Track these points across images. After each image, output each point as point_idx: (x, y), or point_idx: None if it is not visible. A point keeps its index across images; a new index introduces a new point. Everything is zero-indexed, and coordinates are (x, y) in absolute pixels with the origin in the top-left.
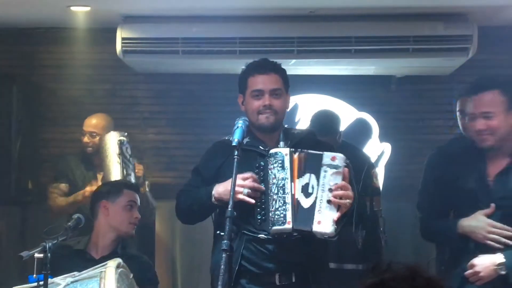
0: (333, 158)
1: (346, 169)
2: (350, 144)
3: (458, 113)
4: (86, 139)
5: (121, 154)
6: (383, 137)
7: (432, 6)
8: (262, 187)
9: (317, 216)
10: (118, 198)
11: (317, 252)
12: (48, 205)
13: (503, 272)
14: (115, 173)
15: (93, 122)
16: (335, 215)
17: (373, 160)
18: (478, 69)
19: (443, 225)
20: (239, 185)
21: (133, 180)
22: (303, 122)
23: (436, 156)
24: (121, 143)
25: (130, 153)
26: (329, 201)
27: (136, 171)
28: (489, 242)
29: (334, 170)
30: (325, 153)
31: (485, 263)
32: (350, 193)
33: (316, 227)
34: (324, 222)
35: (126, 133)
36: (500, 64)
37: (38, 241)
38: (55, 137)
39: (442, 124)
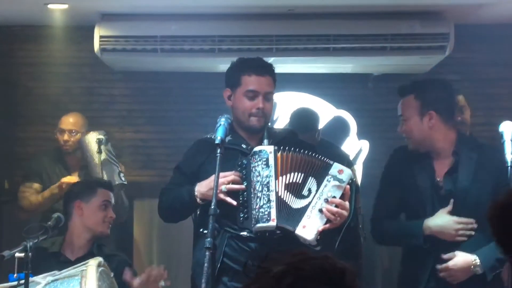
0: (340, 171)
1: (348, 186)
2: (329, 142)
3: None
4: (65, 137)
5: (109, 151)
6: (361, 135)
7: (409, 5)
8: (243, 186)
9: (304, 220)
10: (93, 198)
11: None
12: (19, 205)
13: (479, 272)
14: (102, 173)
15: (72, 120)
16: (321, 226)
17: (351, 157)
18: (455, 67)
19: (404, 226)
20: (221, 183)
21: (122, 179)
22: (281, 120)
23: (391, 158)
24: (100, 142)
25: (113, 152)
26: (320, 210)
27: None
28: (458, 238)
29: (337, 183)
30: (334, 163)
31: (460, 265)
32: (344, 212)
33: (300, 231)
34: (309, 228)
35: (105, 132)
36: (477, 62)
37: (15, 241)
38: (31, 135)
39: None
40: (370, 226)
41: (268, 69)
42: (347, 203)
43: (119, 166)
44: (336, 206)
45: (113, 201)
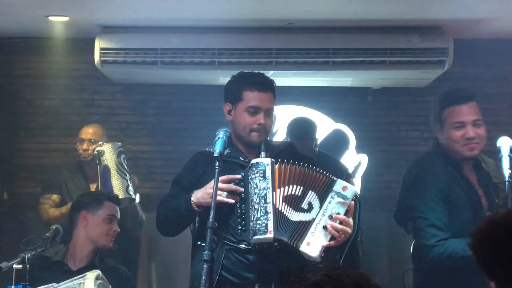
0: (344, 188)
1: (353, 202)
2: (328, 155)
3: (439, 123)
4: (85, 146)
5: (121, 164)
6: (360, 148)
7: (409, 19)
8: (241, 188)
9: (308, 237)
10: (99, 210)
11: (296, 263)
12: (39, 215)
13: None
14: (117, 185)
15: (91, 130)
16: (326, 242)
17: (350, 171)
18: (453, 82)
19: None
20: (218, 188)
21: (130, 193)
22: (280, 133)
23: (424, 172)
24: (100, 154)
25: (125, 165)
26: (325, 227)
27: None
28: None
29: (341, 200)
30: (338, 180)
31: None
32: (348, 229)
33: (304, 248)
34: (313, 245)
35: (120, 144)
36: (475, 77)
37: (13, 252)
38: (31, 147)
39: (418, 136)
40: (430, 250)
41: (270, 85)
42: (351, 220)
43: (132, 179)
44: (340, 223)
45: (118, 215)
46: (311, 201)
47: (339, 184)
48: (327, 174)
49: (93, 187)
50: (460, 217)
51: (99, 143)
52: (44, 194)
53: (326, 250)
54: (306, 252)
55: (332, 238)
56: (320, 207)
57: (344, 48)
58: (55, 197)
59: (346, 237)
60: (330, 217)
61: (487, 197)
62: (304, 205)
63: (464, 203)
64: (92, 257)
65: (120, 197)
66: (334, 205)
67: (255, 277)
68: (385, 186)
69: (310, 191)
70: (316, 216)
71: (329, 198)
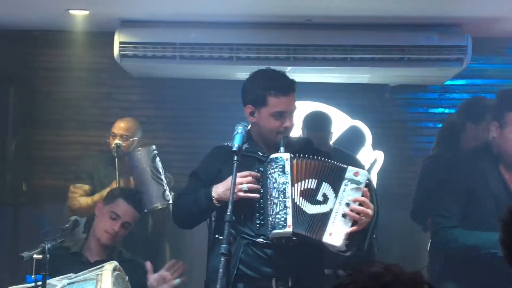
0: (356, 174)
1: (366, 188)
2: (344, 151)
3: (498, 124)
4: (117, 141)
5: (156, 170)
6: (376, 145)
7: (427, 17)
8: (259, 186)
9: (329, 228)
10: (109, 205)
11: (313, 258)
12: (67, 205)
13: None
14: (154, 192)
15: (124, 125)
16: (348, 229)
17: (366, 168)
18: (471, 80)
19: (485, 238)
20: (238, 183)
21: (169, 196)
22: (297, 129)
23: (443, 164)
24: (154, 158)
25: (160, 169)
26: (344, 215)
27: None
28: None
29: (355, 186)
30: (349, 167)
31: None
32: (369, 211)
33: (327, 239)
34: (336, 234)
35: (154, 147)
36: (493, 75)
37: (31, 242)
38: (50, 139)
39: (435, 133)
40: (435, 235)
41: (292, 87)
42: (371, 204)
43: (168, 179)
44: (360, 205)
45: (127, 218)
46: (325, 192)
47: (350, 170)
48: (336, 163)
49: (121, 182)
50: (480, 209)
51: (138, 149)
52: (75, 184)
53: (350, 237)
54: (329, 242)
55: (354, 223)
56: (336, 196)
57: (362, 45)
58: (86, 187)
59: (368, 220)
60: (347, 205)
61: None
62: (319, 197)
63: (488, 197)
64: (107, 250)
65: (160, 207)
66: (349, 192)
67: (272, 271)
68: (401, 183)
69: (323, 183)
70: (334, 206)
71: (343, 186)
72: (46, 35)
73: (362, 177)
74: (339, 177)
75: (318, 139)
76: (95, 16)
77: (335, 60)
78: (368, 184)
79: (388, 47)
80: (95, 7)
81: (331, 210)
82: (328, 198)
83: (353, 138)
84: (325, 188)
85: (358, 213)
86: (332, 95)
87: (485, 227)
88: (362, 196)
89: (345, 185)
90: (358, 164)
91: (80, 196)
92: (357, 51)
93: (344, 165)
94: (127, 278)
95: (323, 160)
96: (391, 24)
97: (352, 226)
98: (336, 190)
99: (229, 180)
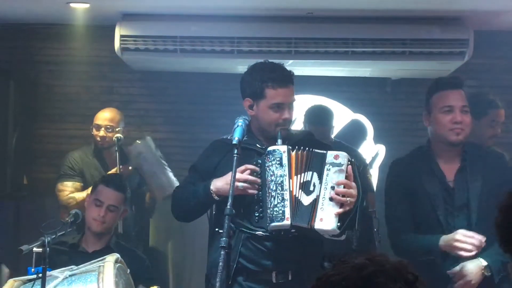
0: (336, 157)
1: (350, 166)
2: (345, 145)
3: (426, 110)
4: (102, 133)
5: (161, 158)
6: (377, 139)
7: (429, 10)
8: (258, 179)
9: (319, 214)
10: (92, 194)
11: (313, 251)
12: (64, 204)
13: (488, 274)
14: (166, 179)
15: (108, 116)
16: (337, 210)
17: (367, 161)
18: (473, 73)
19: (421, 242)
20: (237, 179)
21: (175, 179)
22: (298, 122)
23: (394, 167)
24: (156, 147)
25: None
26: (331, 199)
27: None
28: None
29: (337, 168)
30: (328, 152)
31: (473, 270)
32: (352, 191)
33: (318, 224)
34: (326, 219)
35: (149, 137)
36: (495, 68)
37: (32, 236)
38: (50, 133)
39: None
40: (389, 241)
41: (290, 79)
42: (353, 183)
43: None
44: (344, 187)
45: (111, 201)
46: (314, 181)
47: (330, 155)
48: (316, 151)
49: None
50: (419, 211)
51: (137, 142)
52: (64, 181)
53: (340, 220)
54: (321, 228)
55: (342, 205)
56: (320, 182)
57: (363, 38)
58: (77, 184)
59: (353, 200)
60: (333, 188)
61: (464, 187)
62: (311, 187)
63: (423, 198)
64: (104, 239)
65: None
66: (332, 176)
67: (272, 264)
68: None
69: (311, 172)
70: (320, 192)
71: (325, 171)
72: (47, 29)
73: (342, 159)
74: (321, 163)
75: (320, 133)
76: (95, 9)
77: (337, 54)
78: (350, 164)
79: (390, 40)
80: (95, 0)
81: (318, 196)
82: (315, 186)
83: (354, 132)
84: (314, 177)
85: (343, 195)
86: (333, 89)
87: (424, 229)
88: (346, 176)
89: (328, 169)
90: (359, 158)
91: (71, 191)
92: (359, 45)
93: (322, 151)
94: (128, 270)
95: (308, 150)
96: (393, 18)
97: (340, 208)
98: (320, 176)
99: (228, 175)
